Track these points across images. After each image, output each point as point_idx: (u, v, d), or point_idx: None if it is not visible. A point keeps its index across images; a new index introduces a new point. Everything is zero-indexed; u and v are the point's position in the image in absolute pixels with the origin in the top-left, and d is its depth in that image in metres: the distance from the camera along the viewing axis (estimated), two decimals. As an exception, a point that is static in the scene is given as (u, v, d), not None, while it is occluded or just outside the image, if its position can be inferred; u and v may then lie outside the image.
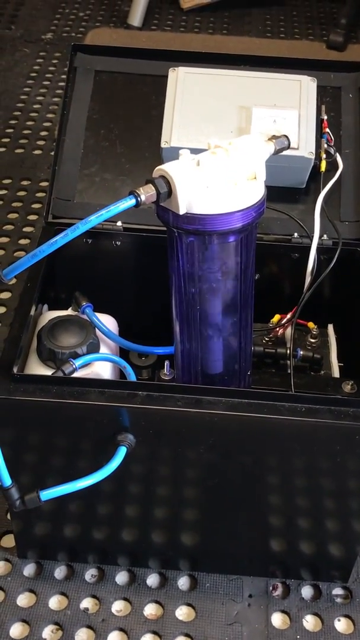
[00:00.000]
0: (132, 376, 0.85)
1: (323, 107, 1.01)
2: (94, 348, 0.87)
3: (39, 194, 1.56)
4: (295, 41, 2.15)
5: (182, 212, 0.71)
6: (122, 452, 0.76)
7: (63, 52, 2.05)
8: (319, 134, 0.98)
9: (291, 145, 0.91)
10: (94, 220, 0.68)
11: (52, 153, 1.04)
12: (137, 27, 2.19)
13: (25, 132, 1.76)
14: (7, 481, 0.73)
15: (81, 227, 0.68)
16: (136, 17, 2.18)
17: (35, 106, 1.85)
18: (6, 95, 1.89)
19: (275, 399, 0.77)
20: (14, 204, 1.54)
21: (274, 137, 0.79)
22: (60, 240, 0.68)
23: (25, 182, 1.60)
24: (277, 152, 0.79)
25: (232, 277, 0.78)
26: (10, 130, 1.76)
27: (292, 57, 1.05)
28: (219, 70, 0.99)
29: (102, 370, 0.87)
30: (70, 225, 0.70)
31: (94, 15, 2.27)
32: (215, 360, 0.83)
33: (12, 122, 1.79)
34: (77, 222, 0.69)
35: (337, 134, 1.02)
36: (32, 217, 1.50)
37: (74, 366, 0.83)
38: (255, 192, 0.73)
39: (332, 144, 1.00)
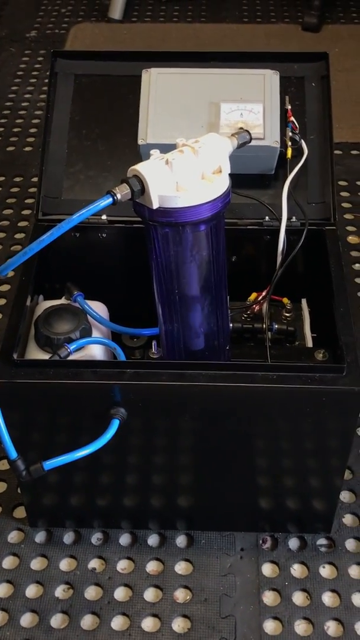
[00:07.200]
0: (121, 356, 0.94)
1: (287, 98, 1.07)
2: (86, 333, 0.95)
3: (32, 189, 1.63)
4: (271, 25, 2.20)
5: (155, 206, 0.79)
6: (115, 424, 0.85)
7: (48, 49, 2.12)
8: (284, 123, 1.05)
9: (257, 136, 1.00)
10: (75, 219, 0.76)
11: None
12: (117, 19, 2.25)
13: (15, 129, 1.83)
14: (13, 454, 0.82)
15: (64, 226, 0.76)
16: (116, 10, 2.25)
17: (24, 104, 1.92)
18: (-5, 95, 1.96)
19: (250, 369, 0.85)
20: (9, 200, 1.61)
21: (236, 133, 0.87)
22: (46, 239, 0.76)
23: (18, 179, 1.68)
24: (240, 146, 0.87)
25: (206, 261, 0.86)
26: (1, 129, 1.84)
27: (258, 51, 1.12)
28: (188, 70, 1.06)
29: (95, 352, 0.95)
30: (59, 221, 0.79)
31: (76, 11, 2.33)
32: (196, 338, 0.91)
33: (2, 120, 1.86)
34: (65, 218, 0.77)
35: (302, 121, 1.08)
36: (26, 212, 1.58)
37: (68, 350, 0.91)
38: (220, 185, 0.81)
39: (297, 131, 1.06)
